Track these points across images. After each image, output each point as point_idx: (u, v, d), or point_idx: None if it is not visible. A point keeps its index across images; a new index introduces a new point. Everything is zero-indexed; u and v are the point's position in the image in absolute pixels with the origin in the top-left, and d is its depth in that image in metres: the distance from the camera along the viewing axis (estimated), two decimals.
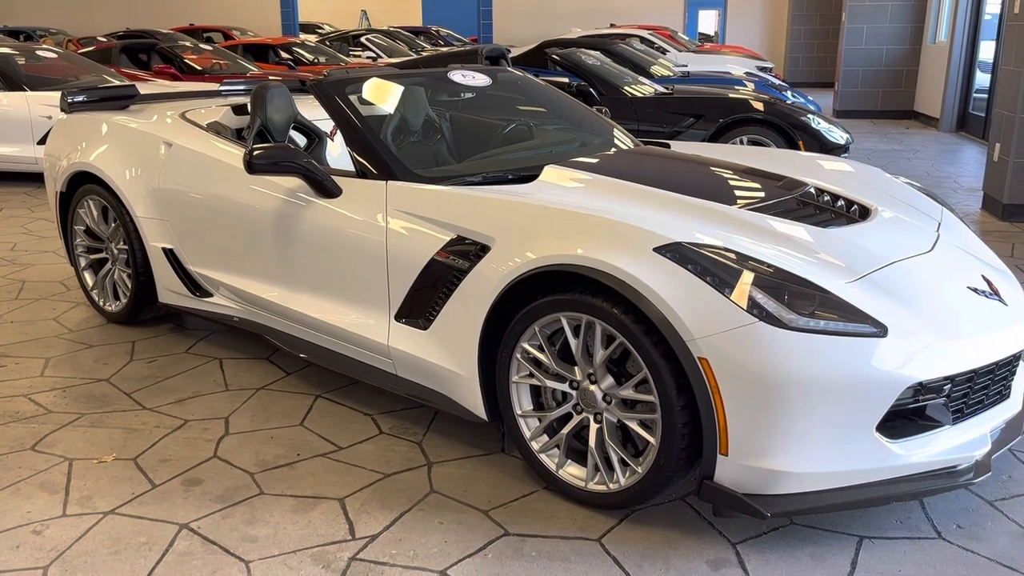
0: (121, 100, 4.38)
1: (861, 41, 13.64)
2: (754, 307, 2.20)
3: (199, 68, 11.30)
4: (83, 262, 4.34)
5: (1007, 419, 2.57)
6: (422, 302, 2.83)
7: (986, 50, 11.47)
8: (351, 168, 3.18)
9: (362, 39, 16.57)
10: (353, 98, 3.37)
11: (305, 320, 3.26)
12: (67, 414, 3.27)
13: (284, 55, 13.55)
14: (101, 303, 4.27)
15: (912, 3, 13.42)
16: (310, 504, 2.64)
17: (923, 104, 13.20)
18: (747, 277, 2.27)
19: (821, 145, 6.85)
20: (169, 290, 3.91)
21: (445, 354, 2.78)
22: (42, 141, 7.78)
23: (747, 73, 11.06)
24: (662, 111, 7.40)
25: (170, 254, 3.84)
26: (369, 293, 3.00)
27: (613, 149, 3.64)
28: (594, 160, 3.29)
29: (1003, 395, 2.59)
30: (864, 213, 2.96)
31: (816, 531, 2.47)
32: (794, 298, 2.25)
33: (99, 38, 15.55)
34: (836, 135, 6.99)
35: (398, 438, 3.06)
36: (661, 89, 7.99)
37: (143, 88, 6.22)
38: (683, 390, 2.28)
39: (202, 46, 12.44)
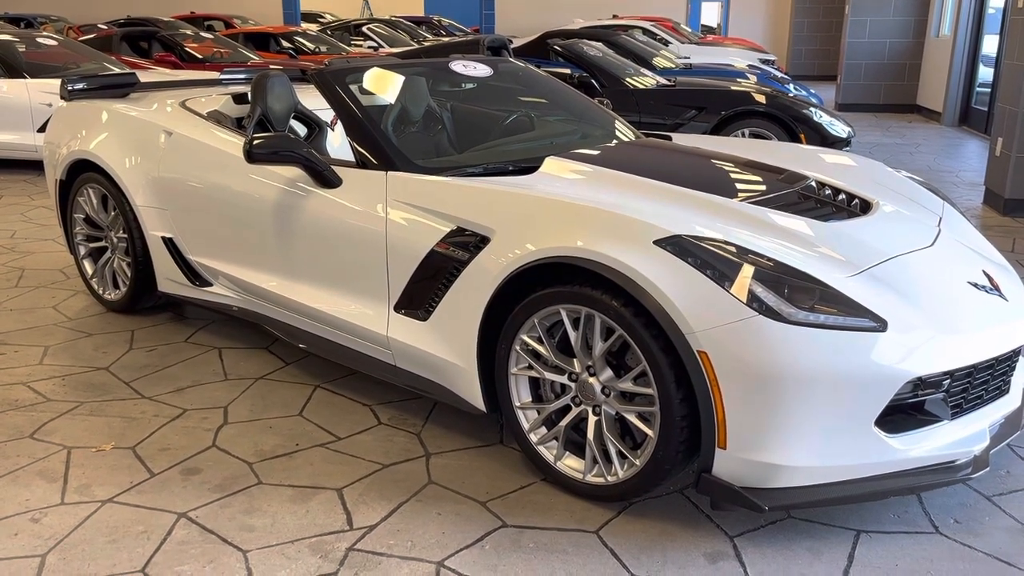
0: (121, 88, 4.37)
1: (864, 34, 13.60)
2: (754, 301, 2.20)
3: (200, 56, 11.27)
4: (83, 250, 4.33)
5: (1006, 414, 2.57)
6: (422, 293, 2.83)
7: (989, 44, 11.43)
8: (351, 158, 3.17)
9: (364, 28, 16.52)
10: (354, 88, 3.36)
11: (304, 310, 3.25)
12: (66, 402, 3.27)
13: (285, 44, 13.51)
14: (100, 291, 4.27)
15: None
16: (308, 494, 2.64)
17: (926, 98, 13.16)
18: (747, 271, 2.26)
19: (823, 138, 6.83)
20: (168, 279, 3.90)
21: (444, 345, 2.78)
22: (42, 129, 7.77)
23: (749, 66, 11.03)
24: (664, 103, 7.38)
25: (170, 243, 3.83)
26: (369, 284, 3.00)
27: (614, 141, 3.63)
28: (595, 152, 3.28)
29: (1002, 390, 2.59)
30: (865, 207, 2.95)
31: (814, 525, 2.47)
32: (794, 292, 2.25)
33: (100, 26, 15.50)
34: (838, 128, 6.97)
35: (397, 429, 3.06)
36: (663, 81, 7.96)
37: (143, 76, 6.20)
38: (682, 383, 2.28)
39: (203, 34, 12.40)
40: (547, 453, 2.65)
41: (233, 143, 3.54)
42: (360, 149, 3.13)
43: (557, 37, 9.09)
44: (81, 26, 16.35)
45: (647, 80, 7.88)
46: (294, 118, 4.05)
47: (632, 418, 2.44)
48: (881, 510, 2.54)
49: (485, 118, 3.80)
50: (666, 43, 13.27)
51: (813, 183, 3.10)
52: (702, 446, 2.30)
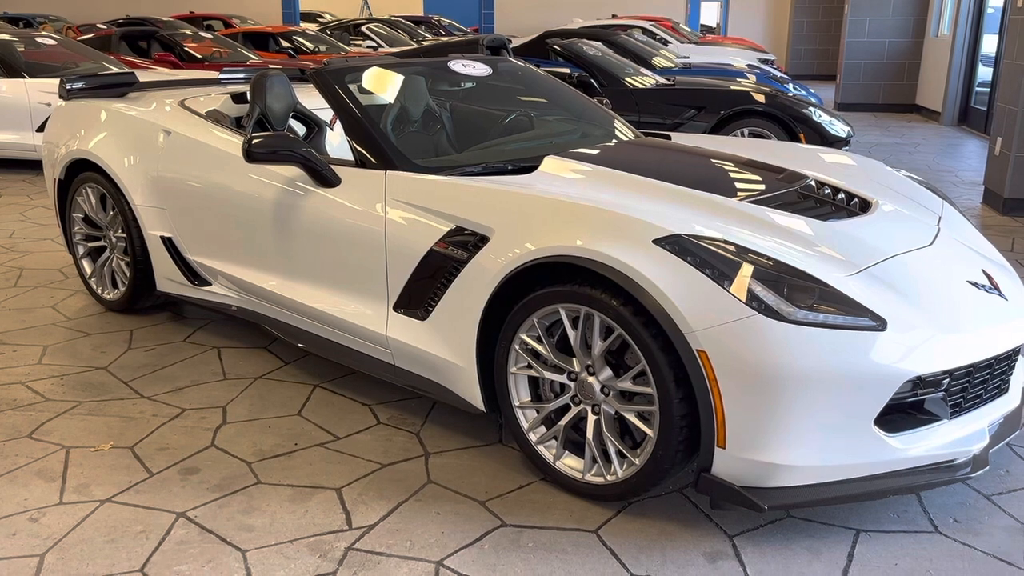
0: (120, 88, 4.36)
1: (863, 34, 13.60)
2: (753, 300, 2.20)
3: (199, 56, 11.26)
4: (81, 250, 4.33)
5: (1005, 414, 2.57)
6: (421, 292, 2.82)
7: (989, 44, 11.43)
8: (350, 157, 3.16)
9: (363, 28, 16.52)
10: (353, 87, 3.36)
11: (303, 309, 3.25)
12: (64, 402, 3.27)
13: (284, 44, 13.51)
14: (99, 291, 4.27)
15: None
16: (307, 494, 2.64)
17: (925, 98, 13.17)
18: (746, 270, 2.26)
19: (822, 138, 6.83)
20: (167, 279, 3.90)
21: (443, 345, 2.78)
22: (41, 128, 7.76)
23: (749, 65, 11.03)
24: (663, 102, 7.37)
25: (168, 243, 3.83)
26: (368, 283, 3.00)
27: (613, 140, 3.62)
28: (594, 151, 3.28)
29: (1001, 389, 2.59)
30: (864, 206, 2.95)
31: (813, 524, 2.47)
32: (793, 291, 2.25)
33: (99, 25, 15.50)
34: (837, 128, 6.97)
35: (396, 428, 3.06)
36: (662, 80, 7.96)
37: (142, 76, 6.20)
38: (681, 382, 2.28)
39: (202, 34, 12.40)
40: (546, 452, 2.65)
41: (232, 142, 3.54)
42: (359, 148, 3.12)
43: (556, 37, 9.09)
44: (80, 26, 16.35)
45: (646, 80, 7.88)
46: (293, 117, 4.05)
47: (631, 417, 2.43)
48: (880, 509, 2.54)
49: (484, 117, 3.79)
50: (665, 43, 13.27)
51: (812, 182, 3.09)
52: (701, 445, 2.30)
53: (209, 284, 3.77)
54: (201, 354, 3.75)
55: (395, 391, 3.35)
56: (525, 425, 2.68)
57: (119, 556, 2.34)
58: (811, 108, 7.02)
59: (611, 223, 2.42)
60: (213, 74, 5.08)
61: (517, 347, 2.61)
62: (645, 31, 13.96)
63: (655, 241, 2.33)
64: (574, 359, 2.53)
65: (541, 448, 2.66)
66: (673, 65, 9.80)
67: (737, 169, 3.18)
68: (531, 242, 2.50)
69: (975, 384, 2.47)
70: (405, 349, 2.90)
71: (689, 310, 2.21)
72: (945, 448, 2.37)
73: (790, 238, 2.53)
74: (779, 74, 10.39)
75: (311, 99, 4.22)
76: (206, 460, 2.85)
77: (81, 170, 4.16)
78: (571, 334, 2.49)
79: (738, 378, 2.18)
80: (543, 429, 2.66)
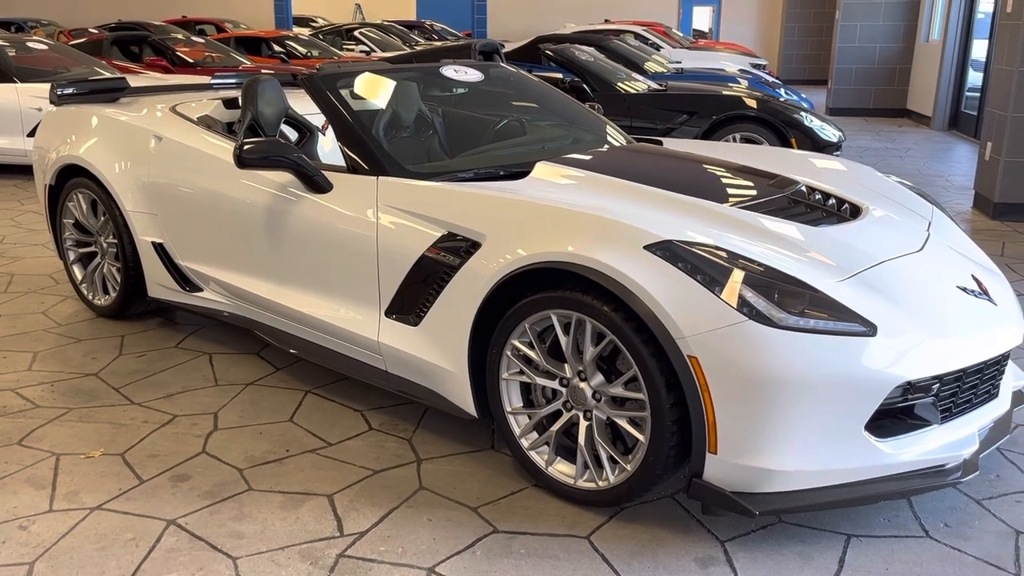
0: (111, 93, 4.35)
1: (855, 39, 13.65)
2: (744, 306, 2.20)
3: (191, 61, 11.25)
4: (72, 256, 4.31)
5: (995, 418, 2.58)
6: (412, 298, 2.82)
7: (979, 49, 11.50)
8: (342, 163, 3.16)
9: (355, 33, 16.52)
10: (345, 93, 3.36)
11: (295, 315, 3.25)
12: (55, 408, 3.26)
13: (277, 48, 13.49)
14: (90, 297, 4.25)
15: (905, 1, 13.43)
16: (298, 500, 2.63)
17: (916, 102, 13.23)
18: (737, 276, 2.27)
19: (814, 143, 6.86)
20: (159, 284, 3.89)
21: (435, 350, 2.78)
22: (32, 133, 7.73)
23: (741, 70, 11.06)
24: (655, 108, 7.39)
25: (160, 248, 3.82)
26: (359, 289, 2.99)
27: (605, 146, 3.63)
28: (586, 157, 3.28)
29: (991, 394, 2.60)
30: (855, 212, 2.96)
31: (804, 529, 2.47)
32: (784, 297, 2.25)
33: (90, 30, 15.47)
34: (829, 133, 7.00)
35: (388, 434, 3.06)
36: (655, 86, 7.98)
37: (134, 81, 6.18)
38: (673, 388, 2.28)
39: (194, 39, 12.39)
40: (538, 458, 2.65)
41: (223, 148, 3.53)
42: (351, 154, 3.12)
43: (549, 42, 9.11)
44: (72, 30, 16.32)
45: (639, 85, 7.89)
46: (285, 123, 4.04)
47: (623, 423, 2.43)
48: (871, 514, 2.54)
49: (476, 123, 3.79)
50: (658, 47, 13.30)
51: (803, 188, 3.11)
52: (693, 451, 2.30)
53: (200, 290, 3.76)
54: (192, 360, 3.74)
55: (387, 397, 3.34)
56: (517, 431, 2.68)
57: (109, 564, 2.33)
58: (802, 113, 7.04)
59: (602, 229, 2.43)
60: (205, 79, 5.07)
61: (509, 353, 2.61)
62: (637, 36, 13.99)
63: (646, 247, 2.33)
64: (566, 365, 2.53)
65: (533, 454, 2.66)
66: (665, 70, 9.82)
67: (728, 175, 3.19)
68: (523, 248, 2.50)
69: (965, 389, 2.48)
70: (397, 355, 2.89)
71: (680, 316, 2.21)
72: (935, 453, 2.38)
73: (781, 244, 2.54)
74: (771, 79, 10.44)
75: (303, 104, 4.21)
76: (197, 467, 2.83)
77: (72, 175, 4.15)
78: (563, 340, 2.49)
79: (729, 384, 2.18)
80: (535, 435, 2.66)
